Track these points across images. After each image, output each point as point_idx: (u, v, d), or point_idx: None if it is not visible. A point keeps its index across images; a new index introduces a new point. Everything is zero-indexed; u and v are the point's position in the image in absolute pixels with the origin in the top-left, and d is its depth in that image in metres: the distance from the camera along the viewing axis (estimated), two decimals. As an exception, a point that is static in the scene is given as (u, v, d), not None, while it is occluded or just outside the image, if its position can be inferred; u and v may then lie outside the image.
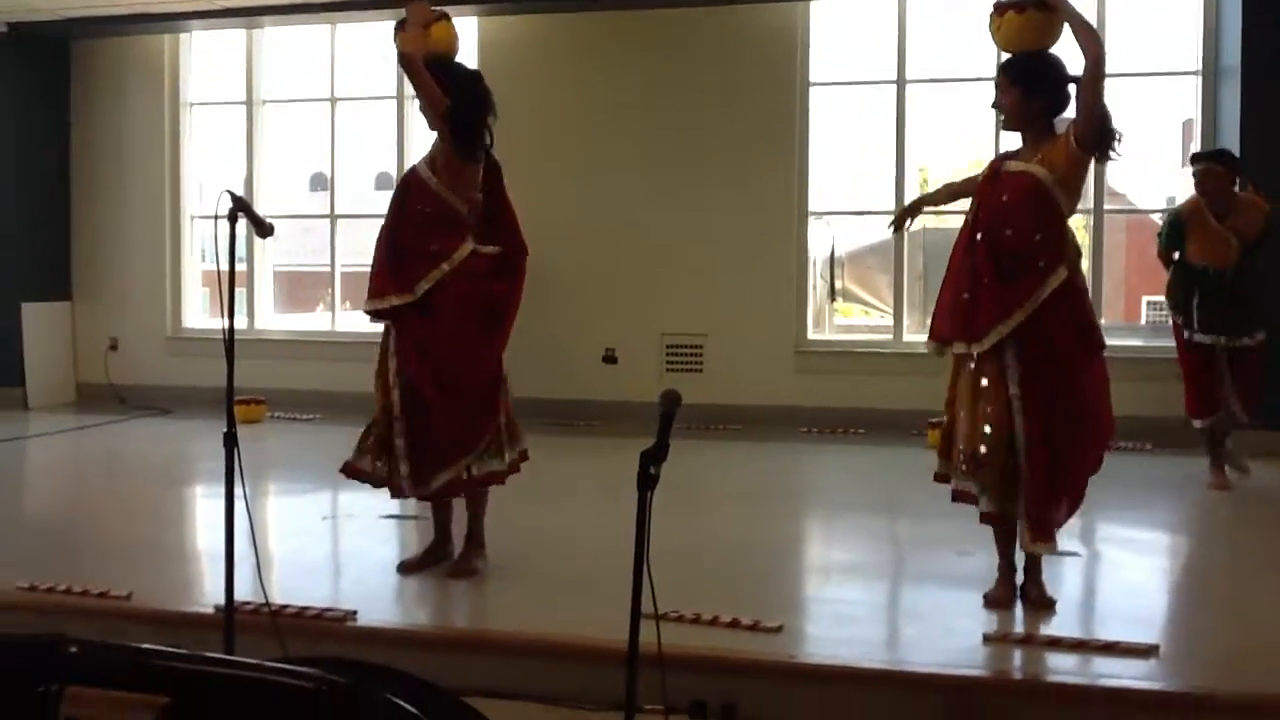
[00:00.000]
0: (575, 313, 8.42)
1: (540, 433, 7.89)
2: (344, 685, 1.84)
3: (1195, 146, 7.83)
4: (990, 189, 3.92)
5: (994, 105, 3.97)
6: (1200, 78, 7.71)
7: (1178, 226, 6.18)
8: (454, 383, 4.21)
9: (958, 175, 5.13)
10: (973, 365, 3.88)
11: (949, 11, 8.37)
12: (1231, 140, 7.27)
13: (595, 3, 8.09)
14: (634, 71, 8.41)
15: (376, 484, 4.30)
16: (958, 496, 3.95)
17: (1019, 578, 3.96)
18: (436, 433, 4.18)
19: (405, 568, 4.37)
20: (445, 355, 4.21)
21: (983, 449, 3.80)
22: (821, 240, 8.66)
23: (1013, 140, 4.06)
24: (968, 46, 8.26)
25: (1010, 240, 3.81)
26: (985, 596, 3.94)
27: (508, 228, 4.46)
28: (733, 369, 8.23)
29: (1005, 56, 4.00)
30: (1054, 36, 3.88)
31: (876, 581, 4.52)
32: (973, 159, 8.43)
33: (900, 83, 8.23)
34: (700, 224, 8.31)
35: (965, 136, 8.67)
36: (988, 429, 3.80)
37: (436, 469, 4.21)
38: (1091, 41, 3.74)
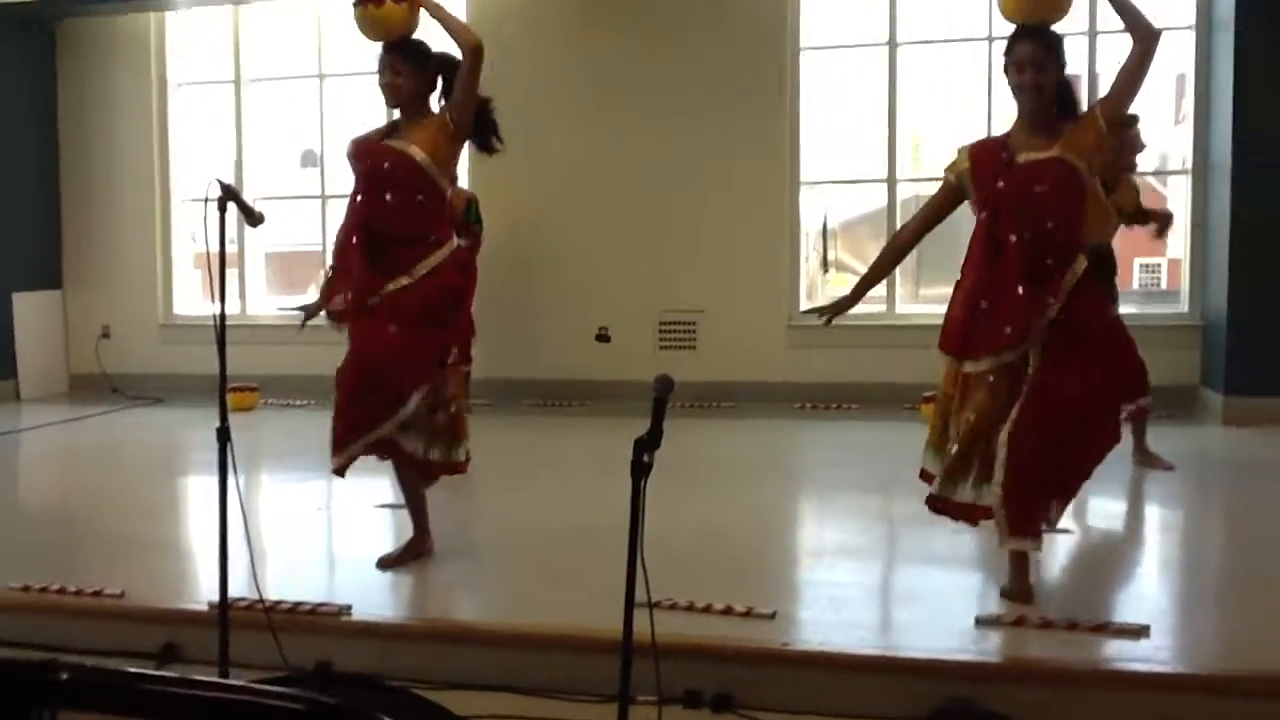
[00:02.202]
0: (567, 291, 8.40)
1: (533, 413, 7.95)
2: (334, 708, 1.85)
3: (1189, 103, 7.77)
4: (1009, 187, 3.61)
5: (1028, 84, 3.59)
6: (1194, 32, 7.64)
7: None
8: (388, 354, 4.11)
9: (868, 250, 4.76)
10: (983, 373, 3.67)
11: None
12: (1225, 96, 7.23)
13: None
14: (623, 41, 8.34)
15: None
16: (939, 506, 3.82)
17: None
18: (364, 394, 4.13)
19: (384, 563, 4.31)
20: (394, 335, 4.10)
21: (966, 440, 3.66)
22: (814, 211, 8.62)
23: (1009, 106, 3.82)
24: (959, 7, 8.19)
25: (1054, 234, 3.57)
26: (1002, 590, 3.79)
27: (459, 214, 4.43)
28: (726, 345, 8.21)
29: (1014, 29, 3.68)
30: (1069, 6, 3.72)
31: (870, 563, 4.52)
32: (966, 125, 8.38)
33: (892, 44, 8.15)
34: (691, 197, 8.26)
35: (957, 101, 8.59)
36: (971, 416, 3.65)
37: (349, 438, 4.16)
38: (1140, 18, 3.51)
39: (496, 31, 8.00)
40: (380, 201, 4.13)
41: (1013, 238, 3.58)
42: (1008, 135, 3.75)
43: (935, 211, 3.87)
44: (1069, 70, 3.77)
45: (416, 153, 4.10)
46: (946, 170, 3.82)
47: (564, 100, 8.41)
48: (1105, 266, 5.54)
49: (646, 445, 2.46)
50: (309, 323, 4.39)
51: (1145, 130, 6.12)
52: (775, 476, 6.07)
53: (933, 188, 4.01)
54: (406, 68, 4.15)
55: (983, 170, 3.69)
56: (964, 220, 8.78)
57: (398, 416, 4.14)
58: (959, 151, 3.82)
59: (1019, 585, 3.75)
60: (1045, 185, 3.57)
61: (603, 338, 8.29)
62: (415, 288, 4.10)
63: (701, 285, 8.27)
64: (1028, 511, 3.64)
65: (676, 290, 8.31)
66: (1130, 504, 5.37)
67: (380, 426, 4.14)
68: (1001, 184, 3.63)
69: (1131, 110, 4.40)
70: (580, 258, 8.42)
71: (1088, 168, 3.61)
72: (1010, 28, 3.75)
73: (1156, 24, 3.58)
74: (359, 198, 4.20)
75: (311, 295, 4.72)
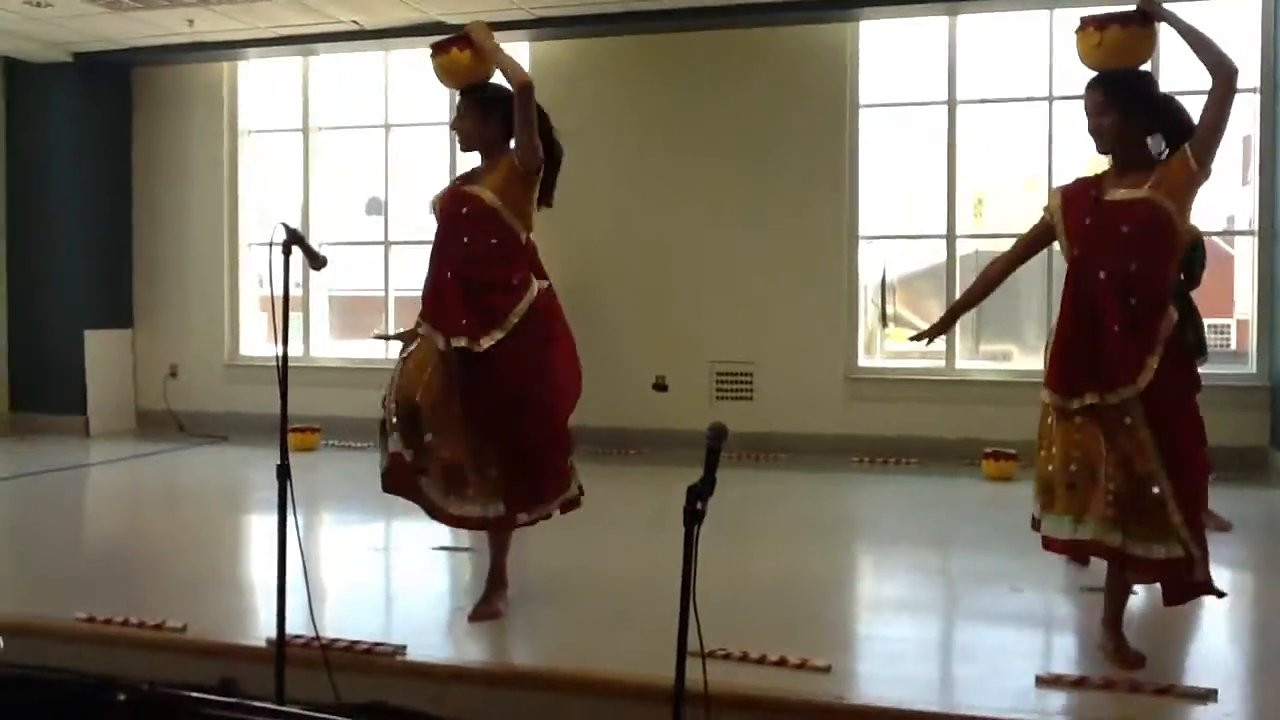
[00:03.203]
0: (625, 339, 8.44)
1: (590, 460, 7.92)
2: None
3: (1255, 163, 7.69)
4: (1095, 223, 3.60)
5: (1090, 129, 3.67)
6: (1259, 94, 7.58)
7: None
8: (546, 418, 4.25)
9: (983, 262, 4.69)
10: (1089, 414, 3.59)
11: (999, 31, 8.30)
12: (1291, 156, 7.14)
13: (643, 24, 8.13)
14: (682, 94, 8.44)
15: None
16: (1074, 550, 3.69)
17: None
18: (536, 467, 4.23)
19: (477, 615, 4.28)
20: (532, 384, 4.20)
21: (1114, 485, 3.51)
22: (873, 264, 8.61)
23: (1070, 165, 3.85)
24: (1018, 66, 8.19)
25: (1137, 277, 3.52)
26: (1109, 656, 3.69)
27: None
28: (783, 396, 8.20)
29: (1091, 74, 3.72)
30: (1150, 53, 3.74)
31: (927, 618, 4.46)
32: (1026, 180, 8.35)
33: (951, 103, 8.18)
34: (750, 248, 8.30)
35: (1017, 158, 8.56)
36: (1117, 469, 3.51)
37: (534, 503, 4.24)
38: (1222, 57, 3.52)
39: (556, 80, 8.19)
40: (459, 245, 4.20)
41: (1101, 274, 3.56)
42: (1101, 175, 3.75)
43: (1026, 246, 3.93)
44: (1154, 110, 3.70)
45: (487, 195, 4.17)
46: (1044, 210, 3.85)
47: (622, 149, 8.51)
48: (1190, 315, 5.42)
49: (700, 493, 2.48)
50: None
51: (1212, 189, 6.02)
52: (831, 529, 6.02)
53: (994, 244, 4.04)
54: (472, 111, 4.24)
55: (1072, 208, 3.70)
56: (1025, 278, 8.75)
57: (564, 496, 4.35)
58: (1052, 191, 3.89)
59: (1125, 649, 3.70)
60: (1130, 225, 3.55)
61: (660, 387, 8.31)
62: (516, 347, 4.14)
63: (759, 336, 8.28)
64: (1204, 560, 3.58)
65: (734, 340, 8.33)
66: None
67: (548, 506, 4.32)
68: (1089, 221, 3.63)
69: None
70: (639, 306, 8.47)
71: (1178, 209, 3.57)
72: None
73: (1234, 62, 3.56)
74: (440, 242, 4.27)
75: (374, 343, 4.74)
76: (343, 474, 7.61)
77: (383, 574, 5.26)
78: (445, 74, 4.33)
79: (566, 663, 3.76)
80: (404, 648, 3.87)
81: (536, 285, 4.25)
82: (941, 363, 8.22)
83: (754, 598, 4.47)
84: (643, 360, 8.39)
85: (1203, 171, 3.57)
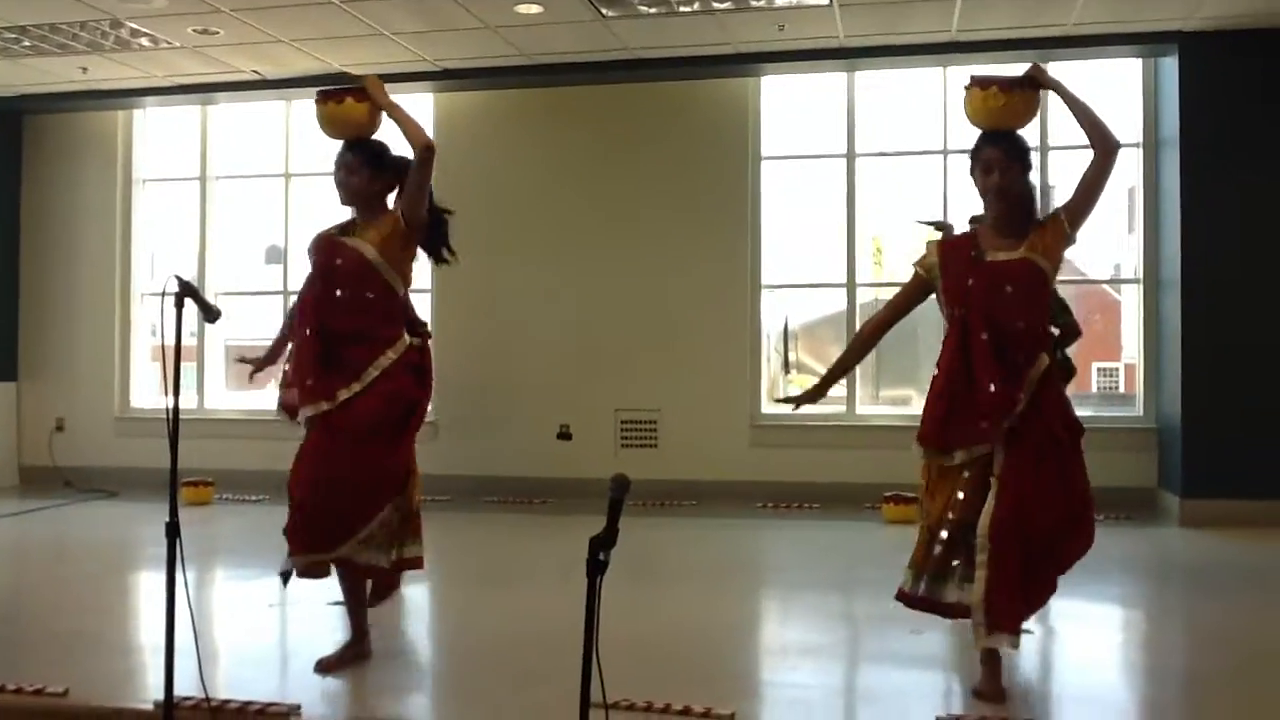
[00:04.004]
0: (529, 389, 8.41)
1: (494, 510, 7.90)
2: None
3: (1139, 214, 7.98)
4: (979, 283, 3.67)
5: (993, 186, 3.70)
6: (1141, 149, 7.89)
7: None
8: (353, 476, 4.05)
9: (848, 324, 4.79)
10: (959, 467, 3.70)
11: (896, 87, 8.54)
12: (1172, 210, 7.43)
13: (549, 77, 8.18)
14: (589, 145, 8.50)
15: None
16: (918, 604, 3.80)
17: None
18: (325, 512, 4.06)
19: (323, 666, 4.17)
20: (355, 451, 4.04)
21: (944, 534, 3.68)
22: (775, 312, 8.72)
23: (965, 214, 3.94)
24: (914, 119, 8.42)
25: (1023, 333, 3.64)
26: (974, 691, 3.76)
27: (415, 314, 4.33)
28: (688, 444, 8.22)
29: (979, 135, 3.81)
30: (1034, 117, 3.87)
31: (831, 663, 4.47)
32: (924, 231, 8.55)
33: (850, 156, 8.37)
34: (654, 297, 8.35)
35: (913, 208, 8.77)
36: (950, 515, 3.67)
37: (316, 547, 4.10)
38: (1106, 132, 3.67)
39: (462, 132, 8.19)
40: (331, 296, 4.12)
41: (983, 335, 3.63)
42: (976, 234, 3.83)
43: (903, 303, 3.94)
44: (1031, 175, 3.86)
45: (367, 250, 4.11)
46: (916, 264, 3.88)
47: (528, 200, 8.53)
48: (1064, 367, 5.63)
49: (602, 544, 2.48)
50: (275, 415, 4.37)
51: (1098, 239, 6.29)
52: (737, 575, 6.03)
53: (892, 291, 4.04)
54: (361, 166, 4.18)
55: (952, 268, 3.75)
56: (922, 324, 8.92)
57: (356, 538, 4.10)
58: (928, 246, 3.91)
59: (992, 685, 3.72)
60: (1013, 285, 3.64)
61: (564, 436, 8.27)
62: (368, 398, 4.04)
63: (663, 385, 8.31)
64: (1009, 610, 3.63)
65: (638, 389, 8.34)
66: (1090, 604, 5.36)
67: (339, 548, 4.10)
68: (971, 281, 3.69)
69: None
70: (543, 355, 8.46)
71: (1052, 269, 3.70)
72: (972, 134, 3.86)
73: (1116, 137, 3.71)
74: (312, 292, 4.19)
75: (271, 390, 4.67)
76: (237, 528, 7.41)
77: (277, 631, 5.10)
78: (332, 123, 4.26)
79: None
80: (299, 707, 3.74)
81: (406, 341, 4.17)
82: (843, 408, 8.34)
83: (661, 646, 4.44)
84: (547, 409, 8.36)
85: (1074, 235, 3.73)
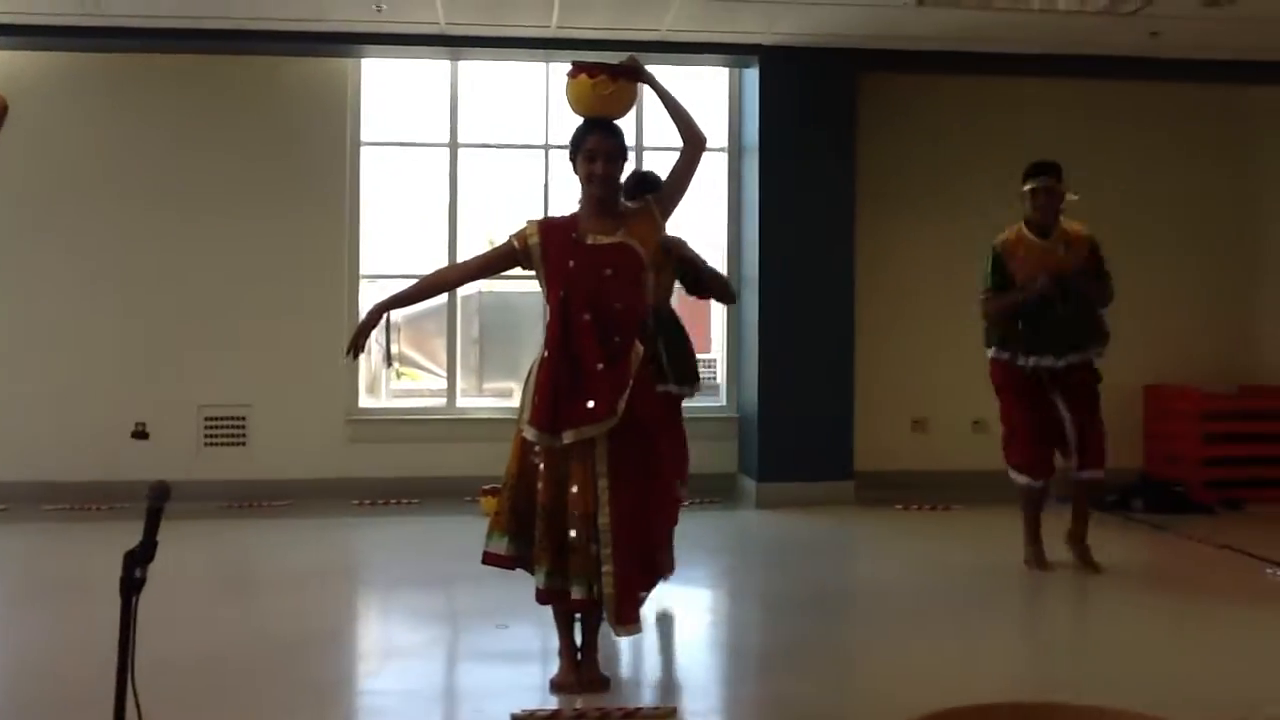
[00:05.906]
0: (102, 384, 7.66)
1: (56, 519, 7.09)
2: None
3: (724, 216, 8.41)
4: (579, 265, 3.70)
5: (599, 174, 3.75)
6: (726, 154, 8.34)
7: (1000, 261, 5.68)
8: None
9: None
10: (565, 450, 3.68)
11: (501, 79, 8.52)
12: (753, 214, 7.91)
13: (115, 41, 7.45)
14: (168, 120, 7.83)
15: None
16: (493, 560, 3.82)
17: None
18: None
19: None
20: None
21: (572, 533, 3.64)
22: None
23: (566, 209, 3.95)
24: (519, 113, 8.44)
25: (621, 315, 3.71)
26: (552, 682, 3.81)
27: None
28: (280, 441, 7.81)
29: (582, 123, 3.83)
30: (630, 107, 3.95)
31: (415, 664, 4.32)
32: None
33: (454, 145, 8.26)
34: (243, 287, 7.84)
35: (517, 200, 8.80)
36: (576, 513, 3.64)
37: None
38: (695, 127, 3.84)
39: (33, 98, 7.29)
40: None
41: (585, 316, 3.66)
42: (575, 218, 3.82)
43: (487, 267, 3.96)
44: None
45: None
46: (513, 237, 3.80)
47: (106, 179, 7.77)
48: (1052, 308, 5.55)
49: (138, 558, 2.28)
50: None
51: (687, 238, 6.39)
52: (331, 578, 5.75)
53: (497, 284, 4.05)
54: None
55: (554, 249, 3.74)
56: (524, 320, 8.98)
57: None
58: (528, 223, 3.83)
59: (570, 676, 3.81)
60: (612, 268, 3.71)
61: (140, 434, 7.60)
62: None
63: (254, 379, 7.82)
64: (634, 598, 3.72)
65: (225, 383, 7.81)
66: (672, 584, 5.55)
67: None
68: (572, 264, 3.71)
69: None
70: (115, 347, 7.72)
71: (649, 255, 3.82)
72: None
73: (704, 133, 3.88)
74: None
75: None
76: None
77: None
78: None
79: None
80: None
81: None
82: (443, 401, 8.24)
83: (232, 664, 4.10)
84: (120, 406, 7.63)
85: (663, 224, 3.89)
